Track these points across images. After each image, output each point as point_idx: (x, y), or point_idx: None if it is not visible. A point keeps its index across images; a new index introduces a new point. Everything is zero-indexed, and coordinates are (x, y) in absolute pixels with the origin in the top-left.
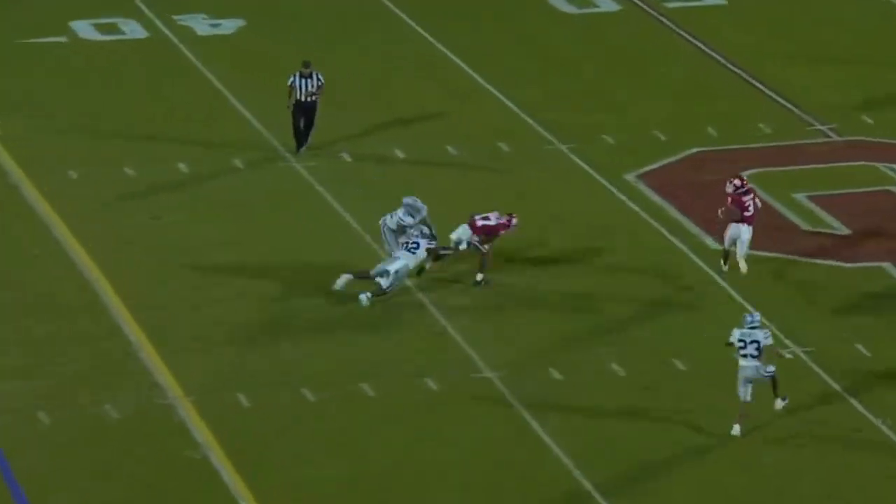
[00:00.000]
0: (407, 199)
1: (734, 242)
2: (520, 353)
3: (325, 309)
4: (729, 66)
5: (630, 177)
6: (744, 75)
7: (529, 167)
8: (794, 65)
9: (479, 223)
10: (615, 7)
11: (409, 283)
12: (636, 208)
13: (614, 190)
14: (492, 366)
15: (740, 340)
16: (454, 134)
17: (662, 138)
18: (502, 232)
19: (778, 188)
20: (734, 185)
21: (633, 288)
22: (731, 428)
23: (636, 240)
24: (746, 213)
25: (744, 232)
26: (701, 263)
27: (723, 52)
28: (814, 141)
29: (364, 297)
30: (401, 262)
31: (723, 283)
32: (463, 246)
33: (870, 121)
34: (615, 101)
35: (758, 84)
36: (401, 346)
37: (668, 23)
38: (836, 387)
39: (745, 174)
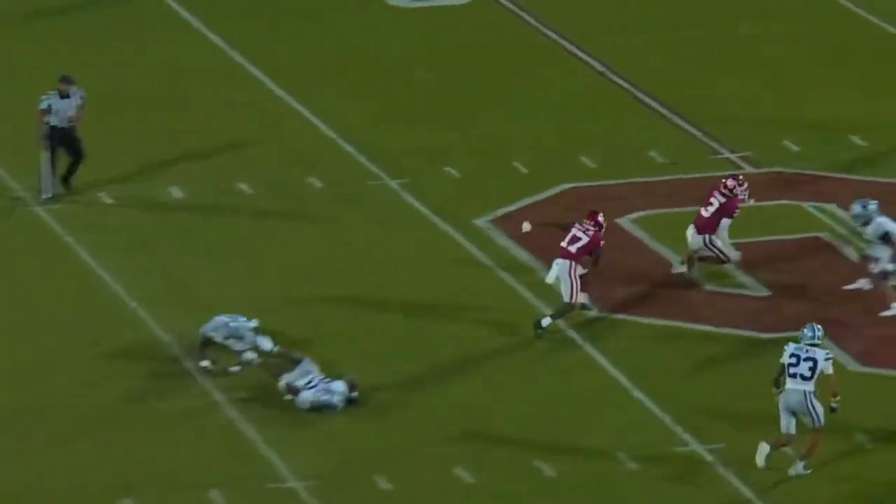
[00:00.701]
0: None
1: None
2: (336, 456)
3: (79, 400)
4: (610, 75)
5: (481, 221)
6: (630, 88)
7: (348, 210)
8: (697, 74)
9: (574, 249)
10: None
11: (194, 373)
12: (489, 262)
13: (460, 238)
14: (299, 473)
15: (792, 356)
16: (249, 167)
17: (524, 170)
18: (602, 242)
19: (674, 235)
20: (727, 179)
21: (485, 368)
22: (757, 452)
23: (488, 305)
24: (702, 212)
25: (690, 236)
26: (575, 336)
27: (603, 57)
28: (721, 173)
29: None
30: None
31: (604, 363)
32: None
33: (795, 147)
34: (462, 122)
35: (648, 99)
36: (179, 449)
37: (531, 19)
38: (750, 493)
39: (633, 216)
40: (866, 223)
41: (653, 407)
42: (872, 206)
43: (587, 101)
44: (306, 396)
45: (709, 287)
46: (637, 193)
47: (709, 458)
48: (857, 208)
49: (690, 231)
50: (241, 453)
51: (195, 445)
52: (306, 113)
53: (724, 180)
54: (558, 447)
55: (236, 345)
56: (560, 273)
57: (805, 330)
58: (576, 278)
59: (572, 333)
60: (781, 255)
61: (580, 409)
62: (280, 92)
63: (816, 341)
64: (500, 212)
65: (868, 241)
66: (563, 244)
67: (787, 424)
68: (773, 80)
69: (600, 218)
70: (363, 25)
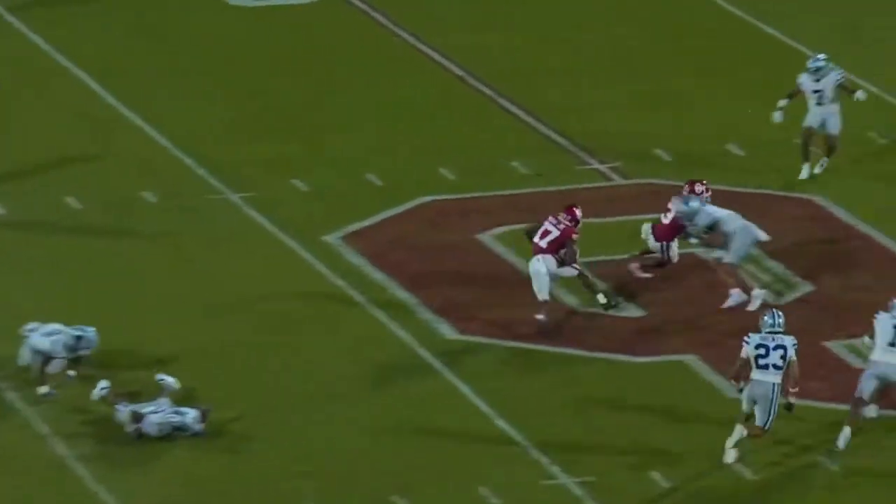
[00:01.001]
0: None
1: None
2: (177, 492)
3: None
4: (470, 79)
5: (332, 238)
6: (491, 93)
7: (187, 226)
8: (564, 78)
9: (545, 244)
10: None
11: (16, 403)
12: (340, 283)
13: (309, 257)
14: None
15: (760, 346)
16: (78, 180)
17: (378, 183)
18: (575, 236)
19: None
20: (694, 183)
21: (338, 396)
22: (725, 453)
23: (340, 327)
24: (662, 218)
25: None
26: (435, 363)
27: (462, 59)
28: (588, 185)
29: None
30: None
31: (465, 390)
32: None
33: (667, 157)
34: (310, 130)
35: (511, 105)
36: None
37: (382, 19)
38: None
39: (496, 232)
40: (693, 217)
41: (517, 437)
42: (694, 202)
43: (445, 107)
44: (153, 420)
45: (579, 309)
46: (500, 207)
47: (578, 491)
48: (679, 205)
49: (652, 240)
50: (68, 492)
51: (16, 485)
52: (139, 121)
53: (686, 184)
54: (416, 481)
55: (86, 353)
56: (548, 270)
57: (765, 318)
58: (562, 266)
59: (430, 358)
60: (656, 273)
61: (439, 439)
62: (110, 98)
63: (778, 328)
64: (353, 227)
65: (702, 236)
66: (536, 239)
67: (748, 408)
68: (644, 86)
69: (578, 212)
70: (201, 26)
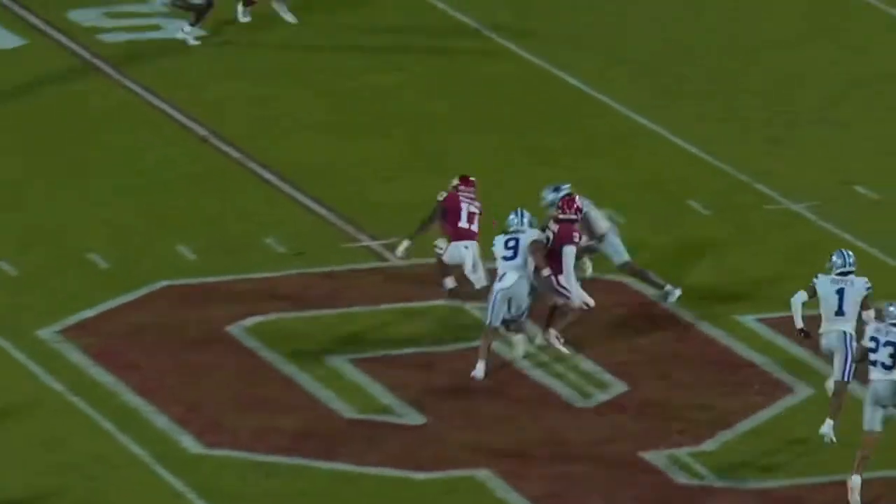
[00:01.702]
0: None
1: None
2: None
3: None
4: (214, 139)
5: (47, 333)
6: (240, 156)
7: None
8: (323, 136)
9: (476, 228)
10: (14, 40)
11: None
12: (58, 387)
13: (19, 356)
14: None
15: (872, 339)
16: None
17: (104, 265)
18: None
19: (302, 346)
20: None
21: None
22: (850, 479)
23: (60, 446)
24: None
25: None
26: (176, 483)
27: (203, 116)
28: (363, 266)
29: None
30: None
31: None
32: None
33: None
34: (16, 201)
35: (264, 171)
36: None
37: (108, 68)
38: None
39: (248, 322)
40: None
41: None
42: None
43: (184, 172)
44: None
45: (347, 415)
46: (252, 293)
47: None
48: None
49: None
50: None
51: None
52: None
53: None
54: None
55: None
56: (475, 256)
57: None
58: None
59: (169, 477)
60: (437, 371)
61: None
62: None
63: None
64: (73, 319)
65: None
66: (463, 225)
67: (871, 420)
68: (420, 145)
69: (472, 180)
70: None
